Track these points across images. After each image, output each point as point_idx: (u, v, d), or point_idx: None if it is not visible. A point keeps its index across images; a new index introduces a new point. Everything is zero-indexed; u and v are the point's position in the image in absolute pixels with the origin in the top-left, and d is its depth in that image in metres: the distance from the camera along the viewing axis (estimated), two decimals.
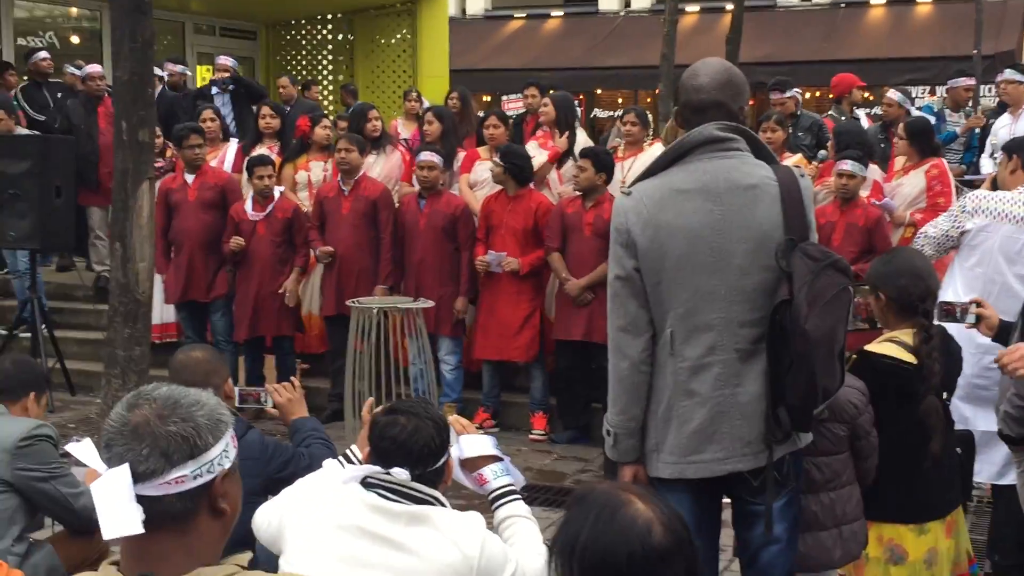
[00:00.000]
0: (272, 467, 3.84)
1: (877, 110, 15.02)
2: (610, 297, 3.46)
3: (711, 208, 3.33)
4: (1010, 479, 5.45)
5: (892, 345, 3.89)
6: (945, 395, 3.93)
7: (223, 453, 1.89)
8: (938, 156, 7.84)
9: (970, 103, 10.23)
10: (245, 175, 8.57)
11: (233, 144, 9.46)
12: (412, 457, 2.93)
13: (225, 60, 11.03)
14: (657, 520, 1.95)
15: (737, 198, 3.33)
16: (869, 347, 3.91)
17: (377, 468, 2.93)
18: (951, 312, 3.98)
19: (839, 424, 3.76)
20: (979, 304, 4.06)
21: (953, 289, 5.67)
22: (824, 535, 3.73)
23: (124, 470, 1.81)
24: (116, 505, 1.80)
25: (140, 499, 1.82)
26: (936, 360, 3.78)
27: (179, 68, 11.42)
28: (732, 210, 3.33)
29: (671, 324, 3.37)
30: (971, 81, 10.06)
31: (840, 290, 3.26)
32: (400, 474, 2.90)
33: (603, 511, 1.97)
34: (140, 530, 1.80)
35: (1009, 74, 9.62)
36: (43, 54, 11.76)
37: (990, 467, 5.34)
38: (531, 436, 8.05)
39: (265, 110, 9.55)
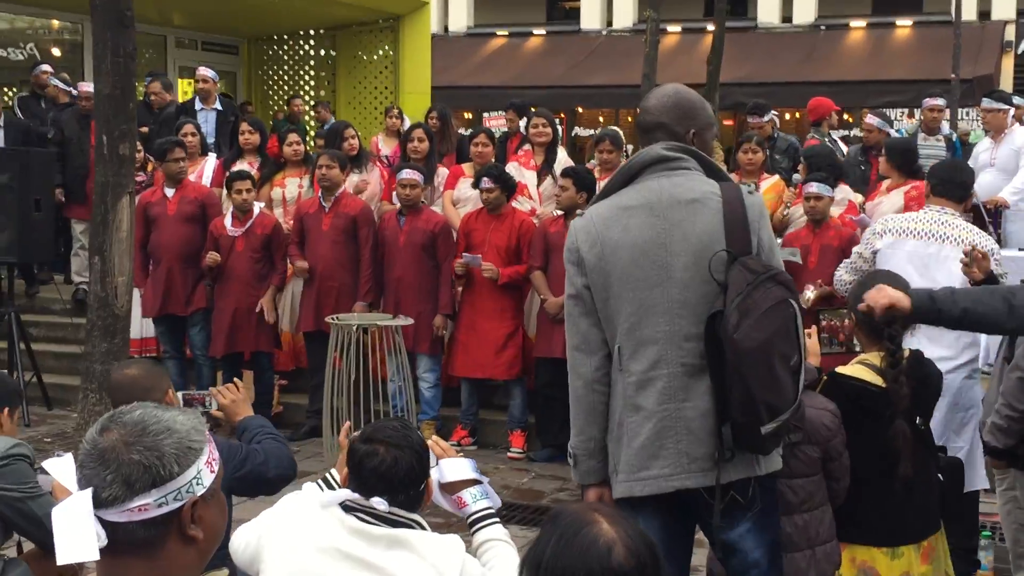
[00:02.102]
0: (230, 468, 3.82)
1: (857, 132, 15.10)
2: (566, 316, 3.52)
3: (654, 222, 3.36)
4: None
5: (862, 367, 3.93)
6: (919, 419, 3.94)
7: (193, 480, 1.87)
8: (920, 179, 7.91)
9: (945, 125, 10.27)
10: (224, 190, 8.56)
11: (212, 159, 9.45)
12: (392, 486, 2.92)
13: (205, 71, 11.00)
14: (620, 542, 1.95)
15: (678, 212, 3.36)
16: (840, 369, 3.95)
17: (357, 496, 2.93)
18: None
19: (812, 446, 3.78)
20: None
21: None
22: (798, 556, 3.74)
23: (86, 495, 1.81)
24: (74, 529, 1.79)
25: (104, 524, 1.82)
26: (903, 384, 3.80)
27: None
28: (673, 224, 3.36)
29: (619, 340, 3.39)
30: (936, 101, 10.09)
31: (778, 302, 3.24)
32: (380, 504, 2.90)
33: (567, 531, 1.98)
34: (95, 556, 1.79)
35: (987, 102, 9.70)
36: (45, 67, 11.72)
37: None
38: (509, 454, 8.05)
39: (245, 126, 9.55)
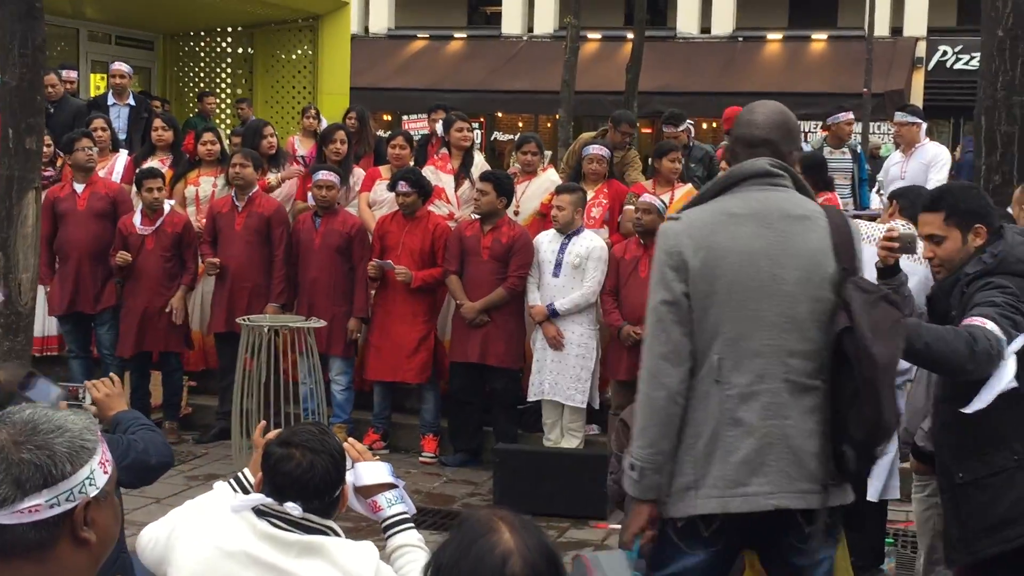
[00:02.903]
0: (115, 459, 3.74)
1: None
2: (652, 324, 3.33)
3: (764, 233, 3.31)
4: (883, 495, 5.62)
5: None
6: None
7: (86, 480, 1.83)
8: (831, 191, 8.05)
9: (854, 138, 10.47)
10: (135, 188, 8.40)
11: (123, 155, 9.27)
12: (307, 492, 2.87)
13: (120, 66, 10.80)
14: (517, 552, 1.94)
15: (790, 226, 3.32)
16: None
17: (270, 500, 2.88)
18: None
19: None
20: None
21: None
22: None
23: None
24: None
25: None
26: None
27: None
28: (784, 237, 3.31)
29: (718, 350, 3.28)
30: (851, 115, 10.30)
31: (895, 322, 3.27)
32: (294, 510, 2.85)
33: (467, 537, 1.97)
34: None
35: (899, 116, 9.90)
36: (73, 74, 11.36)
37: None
38: (421, 458, 8.01)
39: (158, 122, 9.38)
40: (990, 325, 3.63)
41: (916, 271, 5.20)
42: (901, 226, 5.59)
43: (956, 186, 4.48)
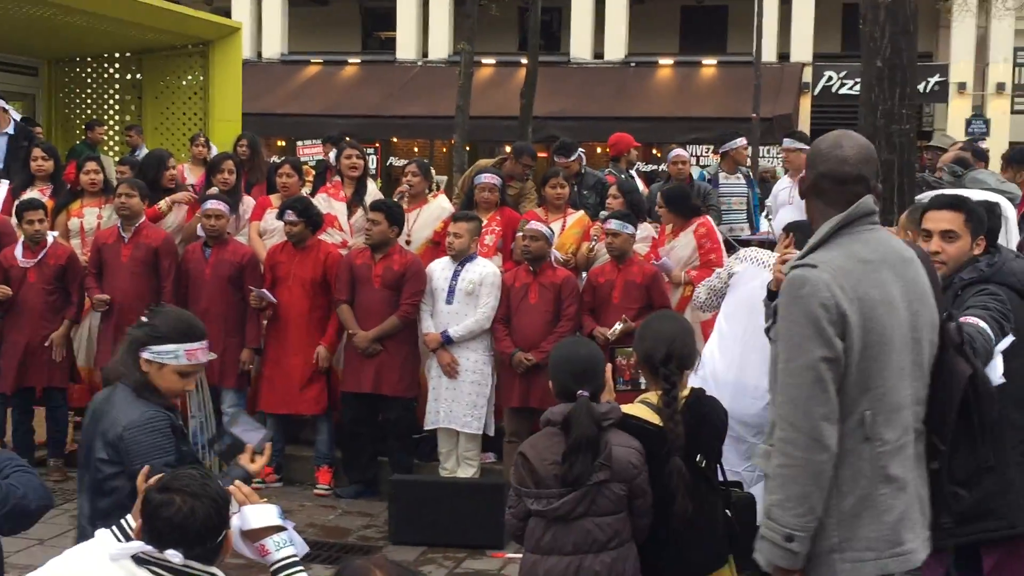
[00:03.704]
0: None
1: (664, 167, 15.50)
2: (810, 382, 3.13)
3: (895, 279, 3.24)
4: None
5: (642, 406, 4.03)
6: (699, 457, 4.02)
7: None
8: (701, 215, 8.19)
9: (747, 163, 10.70)
10: (15, 219, 8.17)
11: (2, 185, 9.00)
12: (188, 538, 2.80)
13: None
14: None
15: (908, 270, 3.28)
16: (623, 407, 4.02)
17: (150, 548, 2.81)
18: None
19: (619, 483, 3.84)
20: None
21: (719, 330, 6.08)
22: None
23: None
24: None
25: None
26: (678, 423, 3.89)
27: None
28: (908, 282, 3.26)
29: (869, 405, 3.17)
30: (745, 141, 10.53)
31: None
32: (174, 557, 2.79)
33: None
34: None
35: (788, 143, 10.11)
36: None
37: None
38: (315, 491, 7.90)
39: (37, 152, 9.12)
40: (983, 324, 3.85)
41: (761, 276, 5.33)
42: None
43: (973, 197, 4.63)
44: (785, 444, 3.16)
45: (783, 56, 24.38)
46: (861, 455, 3.16)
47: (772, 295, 4.95)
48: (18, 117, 11.22)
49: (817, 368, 3.12)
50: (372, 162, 22.04)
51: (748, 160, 10.41)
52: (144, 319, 3.89)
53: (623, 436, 3.88)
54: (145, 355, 3.79)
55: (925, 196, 6.33)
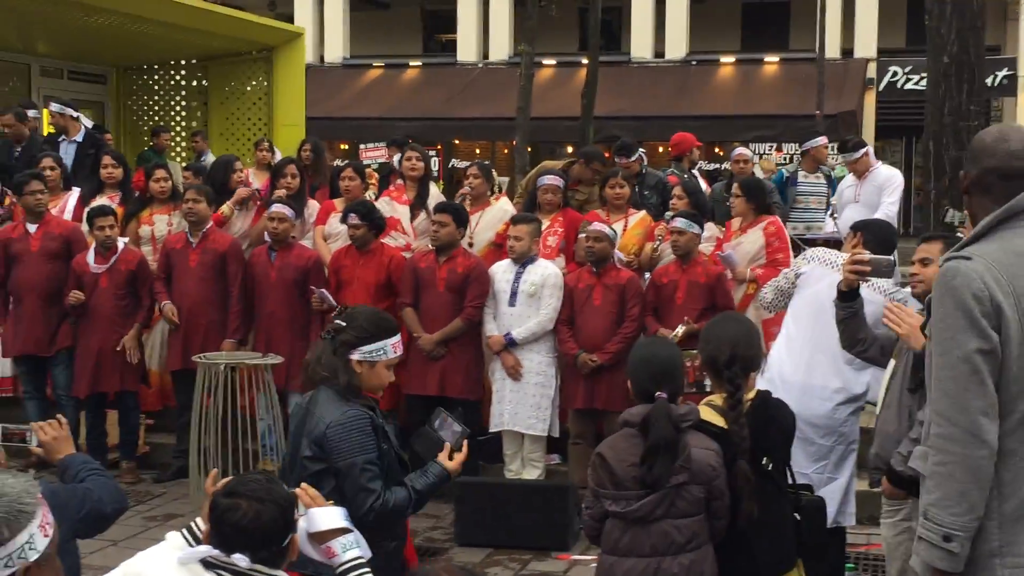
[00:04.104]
0: (70, 509, 3.71)
1: (727, 166, 15.44)
2: (965, 375, 3.01)
3: None
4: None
5: (707, 408, 4.01)
6: (765, 460, 4.01)
7: (26, 545, 1.82)
8: (772, 214, 8.14)
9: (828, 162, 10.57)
10: (86, 226, 8.33)
11: (74, 193, 9.18)
12: (254, 542, 2.84)
13: (55, 107, 10.64)
14: None
15: None
16: None
17: (217, 552, 2.85)
18: None
19: (697, 486, 3.82)
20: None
21: (786, 331, 6.01)
22: None
23: None
24: None
25: None
26: (743, 425, 3.87)
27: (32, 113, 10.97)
28: None
29: None
30: (825, 139, 10.43)
31: None
32: (241, 561, 2.83)
33: None
34: None
35: (845, 157, 9.95)
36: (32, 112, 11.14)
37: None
38: None
39: (107, 159, 9.30)
40: None
41: (873, 299, 5.28)
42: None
43: None
44: (941, 440, 3.05)
45: (847, 52, 24.10)
46: (1020, 455, 3.04)
47: (843, 295, 4.93)
48: (89, 125, 11.41)
49: (972, 360, 3.00)
50: (434, 164, 22.15)
51: (829, 159, 10.26)
52: (341, 323, 4.04)
53: (702, 438, 3.86)
54: (355, 356, 3.97)
55: None
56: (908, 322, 4.35)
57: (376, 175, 11.89)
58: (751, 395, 4.05)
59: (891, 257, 4.64)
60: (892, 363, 4.67)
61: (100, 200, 8.88)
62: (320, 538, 3.22)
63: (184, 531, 3.23)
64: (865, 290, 5.42)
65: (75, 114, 10.59)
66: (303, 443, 3.96)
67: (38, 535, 1.84)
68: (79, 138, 10.47)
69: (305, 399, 4.09)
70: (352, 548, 3.23)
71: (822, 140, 10.48)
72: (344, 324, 4.02)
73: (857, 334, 4.96)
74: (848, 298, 4.93)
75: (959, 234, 5.37)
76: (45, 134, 11.49)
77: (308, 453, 3.92)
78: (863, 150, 9.64)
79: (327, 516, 3.25)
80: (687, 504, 3.82)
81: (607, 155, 10.47)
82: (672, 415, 3.80)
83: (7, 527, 1.80)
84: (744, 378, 3.99)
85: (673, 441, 3.77)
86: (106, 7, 11.77)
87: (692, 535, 3.83)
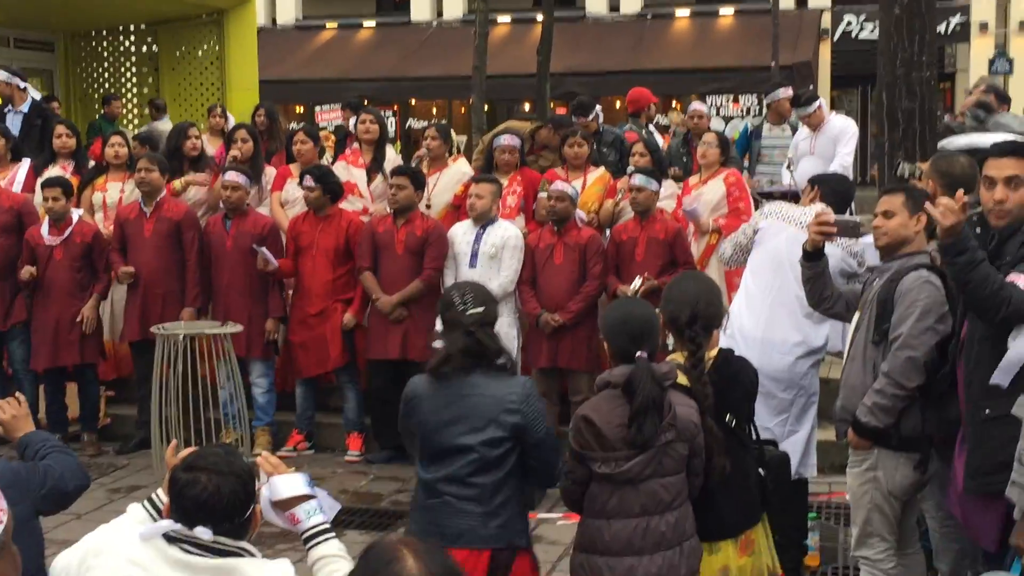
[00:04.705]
0: (31, 488, 3.70)
1: (672, 119, 15.34)
2: None
3: None
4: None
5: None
6: (728, 416, 4.03)
7: None
8: (732, 167, 8.18)
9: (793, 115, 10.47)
10: (39, 197, 8.21)
11: (25, 164, 9.03)
12: (216, 515, 2.84)
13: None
14: None
15: None
16: None
17: (179, 526, 2.84)
18: None
19: (682, 443, 3.83)
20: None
21: (745, 286, 6.04)
22: (670, 553, 3.81)
23: None
24: None
25: None
26: (706, 383, 3.89)
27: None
28: None
29: None
30: (789, 91, 10.35)
31: None
32: (204, 534, 2.82)
33: (371, 566, 1.96)
34: None
35: (800, 111, 9.89)
36: None
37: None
38: (347, 457, 7.96)
39: (61, 128, 9.16)
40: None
41: (832, 253, 5.31)
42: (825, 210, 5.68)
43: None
44: None
45: (801, 2, 24.11)
46: None
47: (808, 255, 4.94)
48: (38, 96, 11.20)
49: None
50: (391, 125, 22.02)
51: (793, 112, 10.17)
52: (477, 306, 4.07)
53: (680, 396, 3.86)
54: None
55: (948, 142, 6.29)
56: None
57: (333, 137, 11.79)
58: (713, 353, 4.06)
59: (857, 218, 4.66)
60: (856, 316, 4.70)
61: (53, 170, 8.75)
62: (284, 505, 3.22)
63: (145, 503, 3.22)
64: (778, 223, 5.47)
65: (23, 84, 10.38)
66: (480, 428, 3.94)
67: None
68: (25, 109, 10.27)
69: (423, 387, 4.09)
70: (316, 514, 3.23)
71: (785, 92, 10.40)
72: (481, 305, 4.06)
73: (823, 292, 4.98)
74: (814, 258, 4.94)
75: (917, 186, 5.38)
76: None
77: (497, 435, 3.92)
78: (816, 103, 9.64)
79: (290, 483, 3.24)
80: (673, 462, 3.82)
81: (564, 111, 10.42)
82: (656, 374, 3.80)
83: None
84: (706, 337, 4.00)
85: (659, 400, 3.76)
86: None
87: (677, 493, 3.84)
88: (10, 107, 10.16)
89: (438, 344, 4.05)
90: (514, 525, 4.01)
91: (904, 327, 4.37)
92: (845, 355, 4.79)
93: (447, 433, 3.98)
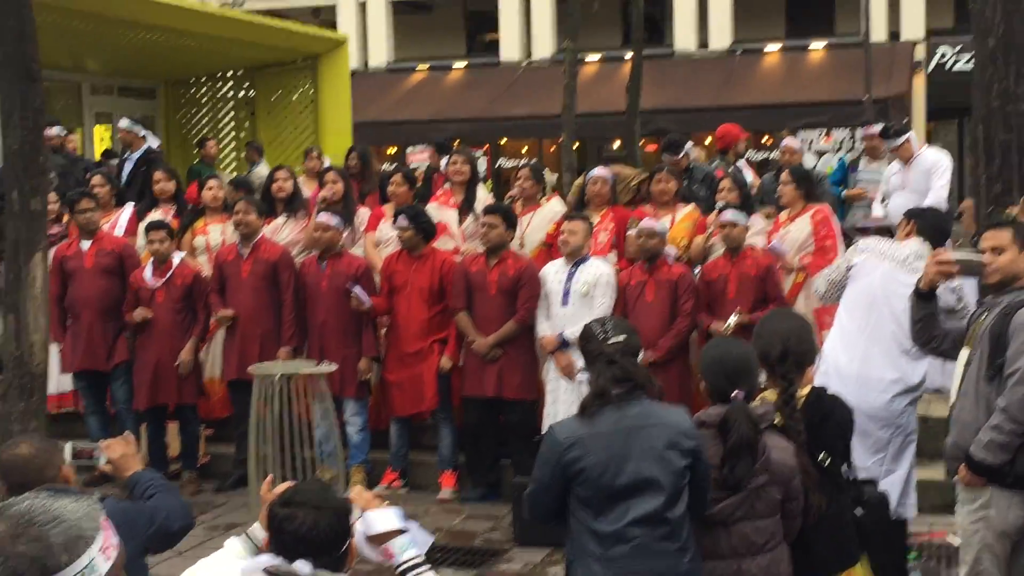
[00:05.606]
0: (139, 527, 3.78)
1: (775, 155, 15.30)
2: None
3: None
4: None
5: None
6: (823, 455, 3.98)
7: (86, 569, 1.85)
8: (821, 202, 8.10)
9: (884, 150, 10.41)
10: (141, 240, 8.44)
11: (128, 209, 9.31)
12: (315, 549, 2.88)
13: (121, 122, 10.79)
14: None
15: None
16: None
17: (279, 561, 2.89)
18: None
19: (775, 487, 3.80)
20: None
21: (839, 323, 5.95)
22: None
23: None
24: None
25: None
26: (798, 420, 3.85)
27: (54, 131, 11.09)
28: None
29: None
30: (873, 129, 10.30)
31: None
32: (304, 568, 2.86)
33: None
34: None
35: (888, 144, 9.84)
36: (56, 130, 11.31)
37: None
38: (440, 496, 7.99)
39: (159, 174, 9.42)
40: None
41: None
42: (918, 244, 5.58)
43: None
44: None
45: (894, 34, 23.81)
46: None
47: (921, 295, 4.86)
48: (155, 145, 11.51)
49: None
50: (482, 165, 22.18)
51: (884, 148, 10.10)
52: (609, 330, 4.01)
53: (778, 438, 3.83)
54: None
55: None
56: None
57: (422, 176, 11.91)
58: (805, 390, 4.02)
59: (982, 258, 4.58)
60: (965, 351, 4.61)
61: (155, 214, 9.00)
62: (378, 540, 3.26)
63: (243, 537, 3.28)
64: (909, 276, 5.38)
65: (143, 132, 10.74)
66: (662, 457, 3.78)
67: (99, 558, 1.87)
68: (137, 155, 10.62)
69: (580, 428, 3.86)
70: (410, 548, 3.26)
71: (868, 131, 10.37)
72: (623, 334, 3.97)
73: (933, 331, 4.90)
74: (927, 297, 4.87)
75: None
76: (101, 151, 11.63)
77: (680, 464, 3.76)
78: (904, 136, 9.54)
79: (384, 518, 3.28)
80: (765, 505, 3.79)
81: (654, 147, 10.41)
82: (751, 415, 3.76)
83: (66, 552, 1.83)
84: (798, 373, 3.96)
85: (753, 441, 3.73)
86: (154, 23, 11.94)
87: (770, 536, 3.81)
88: (128, 153, 10.50)
89: (582, 377, 3.99)
90: (698, 560, 3.85)
91: (1021, 361, 4.28)
92: (954, 391, 4.70)
93: (628, 469, 3.77)
